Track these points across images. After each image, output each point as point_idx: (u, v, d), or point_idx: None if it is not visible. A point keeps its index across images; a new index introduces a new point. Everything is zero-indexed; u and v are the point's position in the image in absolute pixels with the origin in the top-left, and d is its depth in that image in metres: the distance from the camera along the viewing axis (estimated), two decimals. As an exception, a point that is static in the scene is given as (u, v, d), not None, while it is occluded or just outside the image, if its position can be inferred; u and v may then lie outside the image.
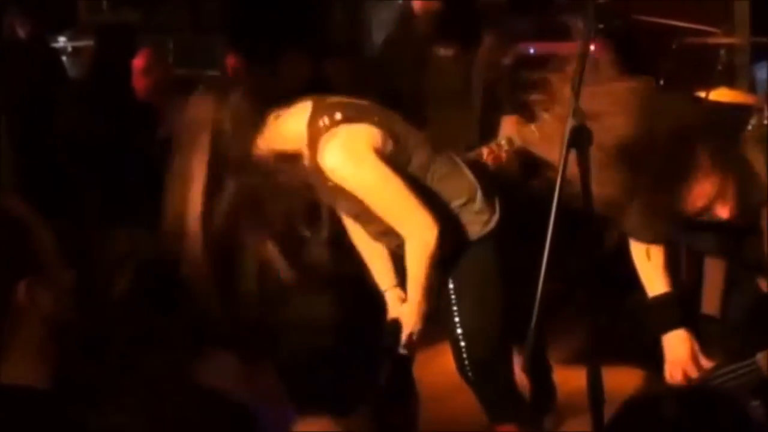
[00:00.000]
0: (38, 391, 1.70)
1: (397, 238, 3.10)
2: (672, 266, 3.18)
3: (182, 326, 2.97)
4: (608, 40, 4.84)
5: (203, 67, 5.82)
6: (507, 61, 4.84)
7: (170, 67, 5.53)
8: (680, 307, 3.17)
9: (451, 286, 3.23)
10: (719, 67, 5.27)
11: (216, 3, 6.95)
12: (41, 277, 1.69)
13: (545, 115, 3.06)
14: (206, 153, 3.06)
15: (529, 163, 3.71)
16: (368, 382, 3.41)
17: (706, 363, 3.10)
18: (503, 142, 3.86)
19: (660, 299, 3.15)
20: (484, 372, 3.24)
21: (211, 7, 6.98)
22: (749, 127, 4.99)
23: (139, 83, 5.15)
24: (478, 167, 3.40)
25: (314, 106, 3.07)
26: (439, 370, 3.82)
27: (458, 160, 3.29)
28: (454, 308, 3.23)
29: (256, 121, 3.11)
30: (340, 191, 3.03)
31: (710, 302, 3.21)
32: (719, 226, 2.92)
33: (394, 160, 3.03)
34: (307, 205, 3.25)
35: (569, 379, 3.86)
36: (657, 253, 3.14)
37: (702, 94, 5.07)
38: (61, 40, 6.26)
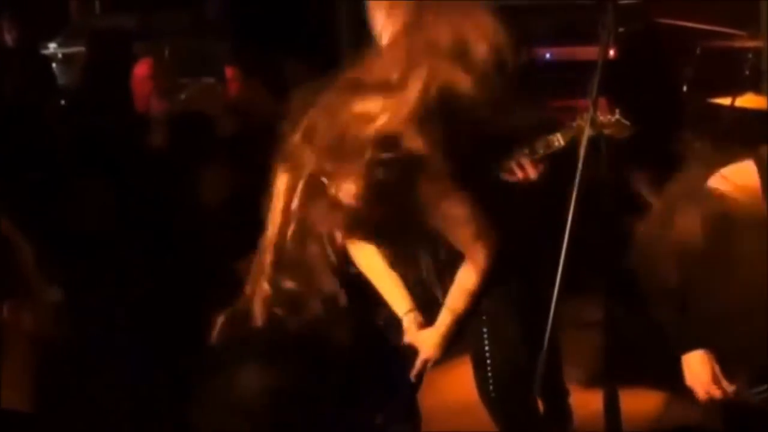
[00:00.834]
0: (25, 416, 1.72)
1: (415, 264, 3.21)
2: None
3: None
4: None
5: (200, 74, 5.97)
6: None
7: (173, 76, 5.68)
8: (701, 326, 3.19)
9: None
10: (746, 72, 5.30)
11: (214, 8, 7.11)
12: (24, 296, 1.71)
13: None
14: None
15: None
16: (372, 411, 3.45)
17: (727, 385, 3.13)
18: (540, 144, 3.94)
19: (679, 317, 3.19)
20: (509, 391, 3.28)
21: (209, 12, 7.11)
22: (778, 134, 5.04)
23: (140, 93, 5.28)
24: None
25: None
26: (441, 390, 3.91)
27: None
28: (485, 331, 3.27)
29: None
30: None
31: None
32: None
33: None
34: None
35: (589, 402, 3.88)
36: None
37: (727, 101, 5.11)
38: (52, 47, 6.34)
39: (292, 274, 3.19)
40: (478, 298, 3.19)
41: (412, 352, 3.17)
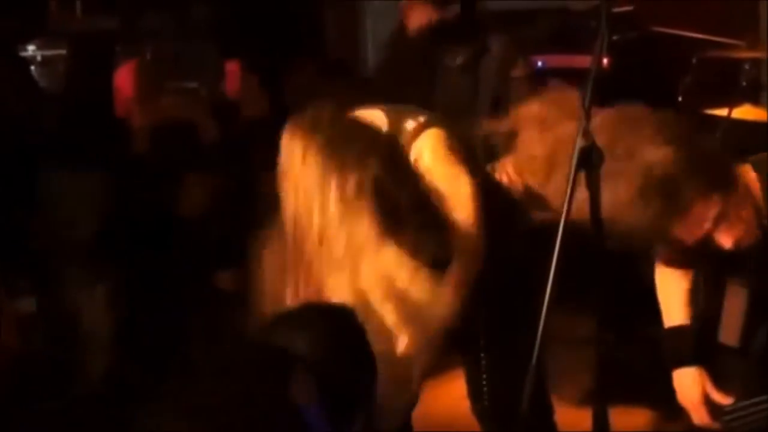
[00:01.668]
0: None
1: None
2: (695, 298, 3.27)
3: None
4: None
5: (185, 79, 5.95)
6: (517, 73, 4.92)
7: (155, 81, 5.66)
8: (696, 343, 3.23)
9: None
10: (743, 83, 5.33)
11: (201, 11, 7.09)
12: None
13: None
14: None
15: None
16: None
17: (723, 398, 3.16)
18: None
19: (675, 331, 3.22)
20: (503, 405, 3.33)
21: (196, 15, 7.09)
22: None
23: (123, 99, 5.27)
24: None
25: (386, 113, 3.16)
26: (430, 404, 3.79)
27: None
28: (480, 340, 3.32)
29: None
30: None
31: (729, 331, 3.24)
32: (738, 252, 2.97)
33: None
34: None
35: (580, 421, 3.91)
36: (682, 280, 3.23)
37: (724, 112, 5.13)
38: (30, 49, 6.21)
39: None
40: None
41: None
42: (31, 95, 5.73)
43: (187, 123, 5.56)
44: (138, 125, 5.27)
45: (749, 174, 3.08)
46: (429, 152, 3.08)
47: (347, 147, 2.99)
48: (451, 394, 3.64)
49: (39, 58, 6.19)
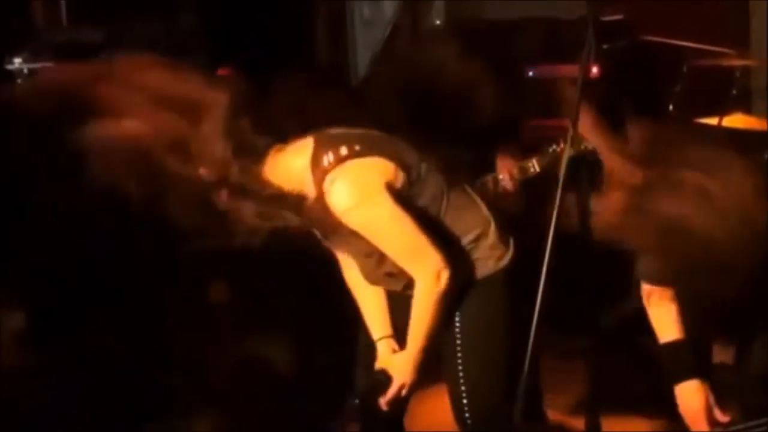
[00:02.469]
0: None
1: (406, 278, 3.19)
2: (685, 314, 3.25)
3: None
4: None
5: None
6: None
7: None
8: (694, 355, 3.23)
9: (457, 327, 3.29)
10: (734, 91, 5.36)
11: (186, 22, 7.10)
12: None
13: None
14: None
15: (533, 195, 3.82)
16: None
17: (721, 416, 3.17)
18: (514, 171, 3.97)
19: (672, 346, 3.22)
20: (486, 424, 3.32)
21: (182, 25, 7.11)
22: (767, 156, 5.09)
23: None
24: (489, 199, 3.50)
25: (315, 142, 3.12)
26: (421, 418, 3.94)
27: (471, 191, 3.37)
28: (459, 354, 3.30)
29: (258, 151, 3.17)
30: (349, 232, 3.10)
31: (724, 349, 3.25)
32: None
33: (406, 193, 3.11)
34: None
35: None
36: (669, 297, 3.22)
37: (715, 120, 5.16)
38: (17, 62, 6.29)
39: None
40: (443, 320, 3.23)
41: (386, 378, 3.25)
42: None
43: None
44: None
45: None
46: (342, 188, 3.07)
47: None
48: (442, 409, 3.60)
49: (25, 71, 6.22)
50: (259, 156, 3.10)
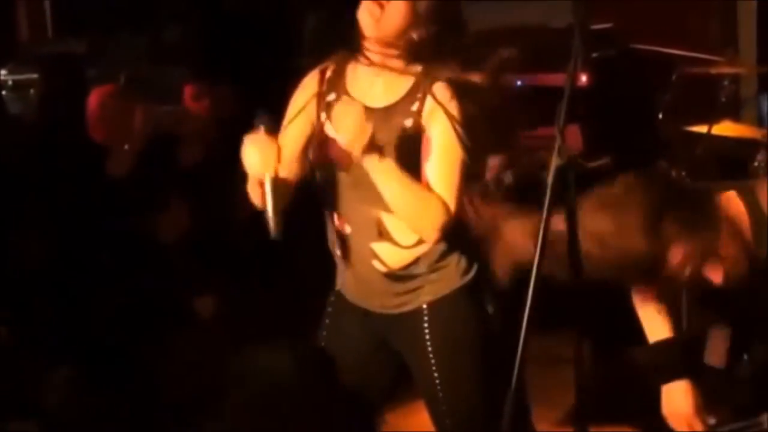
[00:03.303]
0: None
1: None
2: (675, 311, 3.29)
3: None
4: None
5: (157, 101, 5.96)
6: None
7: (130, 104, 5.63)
8: (684, 355, 3.26)
9: (429, 347, 3.34)
10: (723, 99, 5.41)
11: (172, 33, 7.15)
12: None
13: None
14: None
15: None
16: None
17: (707, 419, 3.19)
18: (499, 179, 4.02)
19: (661, 345, 3.25)
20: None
21: (167, 37, 7.21)
22: (756, 164, 5.14)
23: (96, 127, 5.30)
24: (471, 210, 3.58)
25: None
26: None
27: None
28: (435, 373, 3.36)
29: None
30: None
31: (715, 352, 3.29)
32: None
33: None
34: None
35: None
36: (653, 296, 3.28)
37: (704, 128, 5.21)
38: (2, 73, 6.35)
39: None
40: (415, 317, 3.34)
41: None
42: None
43: (171, 143, 5.59)
44: (116, 149, 5.30)
45: (734, 203, 3.12)
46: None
47: None
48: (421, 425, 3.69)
49: (10, 82, 6.29)
50: None
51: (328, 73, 3.40)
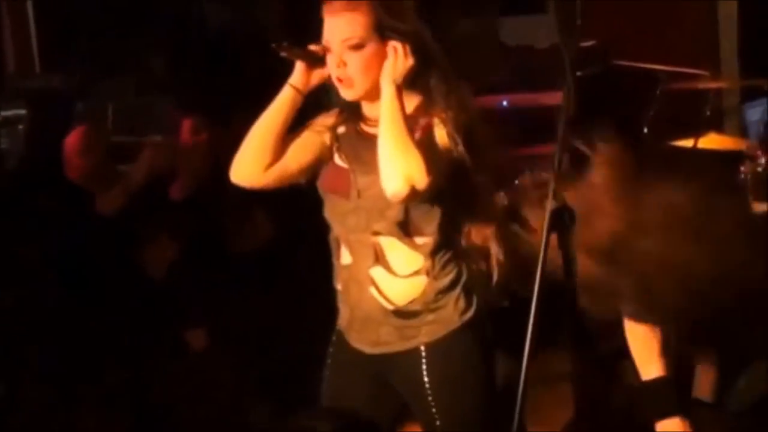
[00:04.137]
0: None
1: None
2: (667, 349, 3.31)
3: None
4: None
5: (147, 132, 5.94)
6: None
7: (105, 146, 5.65)
8: (676, 392, 3.28)
9: (427, 386, 3.37)
10: (707, 112, 5.46)
11: (159, 66, 7.33)
12: None
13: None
14: None
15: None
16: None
17: None
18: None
19: (655, 383, 3.28)
20: None
21: (155, 68, 7.35)
22: (741, 175, 5.18)
23: (73, 168, 5.34)
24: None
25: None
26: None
27: None
28: (434, 410, 3.39)
29: None
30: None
31: (704, 386, 3.33)
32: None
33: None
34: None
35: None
36: (653, 334, 3.30)
37: (690, 142, 5.27)
38: (-9, 108, 6.37)
39: None
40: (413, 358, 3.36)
41: None
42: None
43: (160, 177, 5.54)
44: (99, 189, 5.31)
45: None
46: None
47: None
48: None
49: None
50: None
51: (342, 113, 3.44)
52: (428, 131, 3.25)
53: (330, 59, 3.28)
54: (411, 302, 3.34)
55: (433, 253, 3.30)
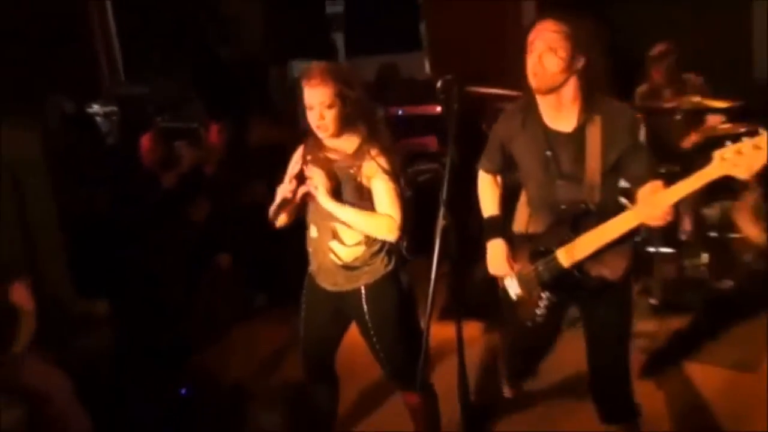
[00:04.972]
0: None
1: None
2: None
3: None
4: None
5: (187, 121, 6.99)
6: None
7: (165, 145, 6.36)
8: (502, 225, 3.86)
9: (367, 316, 3.99)
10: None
11: (196, 77, 8.48)
12: None
13: None
14: None
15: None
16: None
17: (516, 266, 3.79)
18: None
19: (490, 219, 3.95)
20: (402, 375, 4.08)
21: (192, 80, 8.48)
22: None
23: (146, 158, 6.31)
24: None
25: (361, 140, 3.80)
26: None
27: None
28: (372, 332, 4.00)
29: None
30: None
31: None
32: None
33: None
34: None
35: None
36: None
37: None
38: (95, 107, 7.30)
39: None
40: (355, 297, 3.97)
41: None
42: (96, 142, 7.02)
43: (198, 164, 6.52)
44: (165, 172, 6.34)
45: None
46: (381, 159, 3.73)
47: None
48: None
49: (101, 113, 7.31)
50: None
51: (309, 143, 3.88)
52: (367, 170, 3.70)
53: (311, 115, 3.71)
54: (354, 260, 3.93)
55: None
